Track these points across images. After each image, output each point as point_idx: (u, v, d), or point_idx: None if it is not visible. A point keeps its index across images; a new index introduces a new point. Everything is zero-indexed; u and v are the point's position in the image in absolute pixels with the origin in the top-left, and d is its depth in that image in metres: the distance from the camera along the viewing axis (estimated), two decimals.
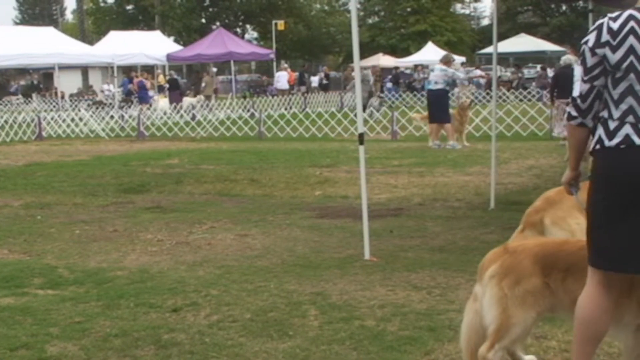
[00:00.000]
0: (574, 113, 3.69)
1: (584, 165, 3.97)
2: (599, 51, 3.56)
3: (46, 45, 29.54)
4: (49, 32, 33.49)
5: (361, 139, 7.09)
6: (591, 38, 3.59)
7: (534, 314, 3.77)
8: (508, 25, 56.54)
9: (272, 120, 21.76)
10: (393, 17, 60.21)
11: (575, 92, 3.67)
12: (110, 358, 4.66)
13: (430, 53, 47.92)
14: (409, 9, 59.34)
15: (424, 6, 58.06)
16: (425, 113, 18.78)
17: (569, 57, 18.50)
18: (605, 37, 3.55)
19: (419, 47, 51.96)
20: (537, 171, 12.45)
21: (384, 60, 50.98)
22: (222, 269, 6.71)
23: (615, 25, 3.54)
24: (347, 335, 4.88)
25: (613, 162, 3.56)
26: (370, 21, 63.23)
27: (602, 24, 3.58)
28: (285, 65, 39.32)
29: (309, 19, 62.12)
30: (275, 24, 45.85)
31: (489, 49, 42.68)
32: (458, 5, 68.92)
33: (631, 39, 3.51)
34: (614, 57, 3.53)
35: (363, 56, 43.21)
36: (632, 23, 3.52)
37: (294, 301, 5.65)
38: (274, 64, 39.87)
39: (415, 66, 47.50)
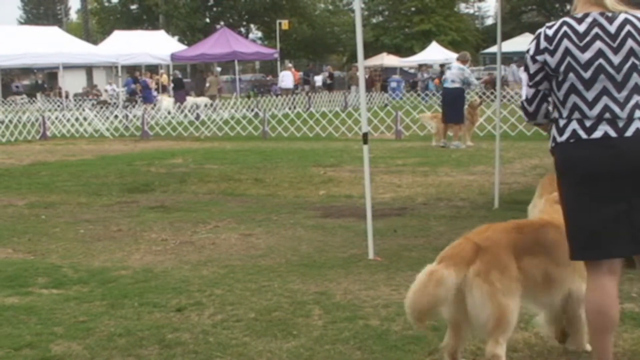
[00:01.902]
0: (525, 117, 4.08)
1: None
2: (539, 58, 3.87)
3: (50, 44, 29.62)
4: (54, 31, 33.57)
5: (365, 138, 7.08)
6: (532, 47, 3.90)
7: (519, 299, 3.97)
8: (512, 24, 56.47)
9: (276, 120, 21.76)
10: (397, 17, 60.24)
11: (523, 97, 4.00)
12: (115, 357, 4.66)
13: (434, 53, 48.00)
14: (413, 9, 59.38)
15: (428, 6, 58.09)
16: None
17: None
18: (543, 44, 3.86)
19: (423, 47, 52.00)
20: (542, 170, 12.41)
21: (388, 59, 51.02)
22: (226, 269, 6.71)
23: (550, 32, 3.86)
24: (351, 335, 4.88)
25: (566, 156, 3.86)
26: (374, 21, 63.28)
27: (540, 33, 3.90)
28: (290, 65, 39.34)
29: (313, 18, 62.22)
30: (279, 23, 45.86)
31: (493, 49, 42.62)
32: (462, 5, 69.00)
33: (565, 42, 3.80)
34: (553, 61, 3.83)
35: (367, 55, 43.22)
36: (565, 28, 3.84)
37: (298, 301, 5.65)
38: (278, 63, 39.90)
39: (420, 66, 47.51)
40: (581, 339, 4.31)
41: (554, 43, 3.82)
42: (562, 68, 3.81)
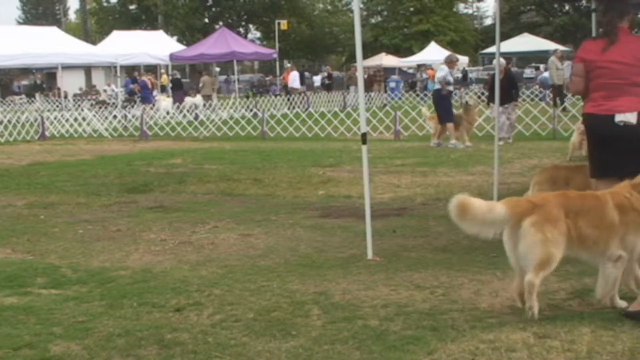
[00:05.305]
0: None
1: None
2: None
3: (49, 45, 29.56)
4: (52, 31, 33.51)
5: (364, 138, 7.09)
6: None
7: (562, 251, 4.95)
8: (511, 24, 56.53)
9: (275, 120, 21.75)
10: (396, 17, 60.23)
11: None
12: (114, 357, 4.66)
13: (433, 53, 47.94)
14: (412, 9, 59.39)
15: (427, 6, 58.11)
16: (430, 113, 18.76)
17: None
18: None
19: (422, 47, 52.02)
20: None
21: (387, 60, 51.02)
22: (225, 269, 6.71)
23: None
24: (350, 335, 4.88)
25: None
26: (373, 21, 63.33)
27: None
28: (289, 66, 39.36)
29: (311, 18, 62.27)
30: (278, 23, 45.88)
31: (491, 49, 42.71)
32: (461, 5, 69.01)
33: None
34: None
35: (366, 56, 43.21)
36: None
37: (297, 301, 5.65)
38: (277, 63, 39.86)
39: (419, 66, 47.51)
40: (613, 295, 5.14)
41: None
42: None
